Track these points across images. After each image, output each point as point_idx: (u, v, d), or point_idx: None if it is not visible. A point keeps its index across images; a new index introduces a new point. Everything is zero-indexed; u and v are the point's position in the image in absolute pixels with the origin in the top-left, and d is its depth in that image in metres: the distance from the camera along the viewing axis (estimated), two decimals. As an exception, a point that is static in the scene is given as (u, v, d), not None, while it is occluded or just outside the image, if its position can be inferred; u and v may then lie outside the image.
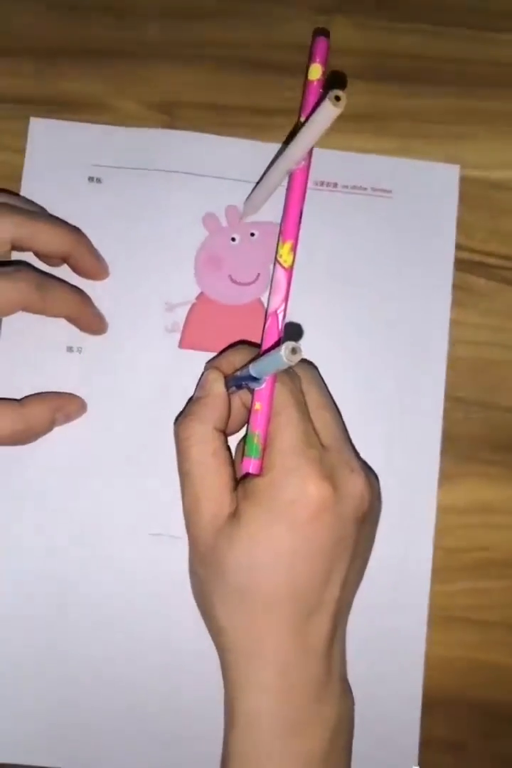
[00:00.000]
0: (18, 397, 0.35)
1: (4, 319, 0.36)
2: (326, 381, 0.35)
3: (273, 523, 0.30)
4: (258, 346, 0.34)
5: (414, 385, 0.37)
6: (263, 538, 0.30)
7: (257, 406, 0.31)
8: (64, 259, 0.36)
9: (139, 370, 0.37)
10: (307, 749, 0.30)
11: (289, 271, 0.33)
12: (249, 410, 0.32)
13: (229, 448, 0.33)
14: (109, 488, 0.36)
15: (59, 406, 0.35)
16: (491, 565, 0.37)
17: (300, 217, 0.33)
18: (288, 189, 0.33)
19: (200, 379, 0.35)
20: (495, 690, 0.37)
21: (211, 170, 0.38)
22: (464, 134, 0.39)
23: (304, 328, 0.37)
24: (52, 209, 0.37)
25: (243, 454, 0.32)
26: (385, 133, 0.39)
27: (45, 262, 0.37)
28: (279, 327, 0.33)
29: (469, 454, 0.37)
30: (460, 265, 0.38)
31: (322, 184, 0.38)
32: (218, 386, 0.33)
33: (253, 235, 0.38)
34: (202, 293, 0.37)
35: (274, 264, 0.33)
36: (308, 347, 0.36)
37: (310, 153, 0.33)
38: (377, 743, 0.35)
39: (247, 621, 0.31)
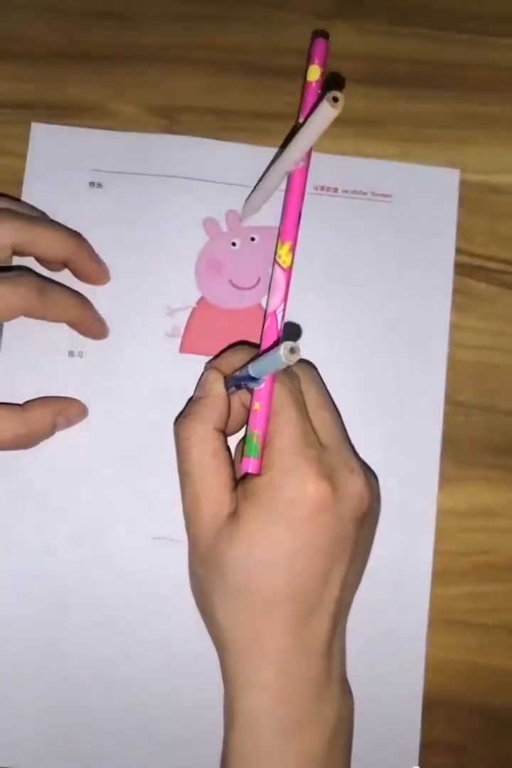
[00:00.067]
0: (19, 401, 0.35)
1: (6, 324, 0.36)
2: (326, 382, 0.35)
3: (273, 522, 0.30)
4: (257, 346, 0.34)
5: (414, 386, 0.37)
6: (262, 538, 0.30)
7: (256, 406, 0.32)
8: (65, 264, 0.36)
9: (140, 374, 0.37)
10: (307, 749, 0.30)
11: (288, 271, 0.33)
12: (248, 410, 0.32)
13: (228, 448, 0.33)
14: (109, 490, 0.36)
15: (60, 411, 0.36)
16: (491, 569, 0.37)
17: (299, 218, 0.33)
18: (287, 190, 0.34)
19: (200, 379, 0.35)
20: (496, 693, 0.37)
21: (211, 175, 0.38)
22: (464, 138, 0.39)
23: (305, 330, 0.37)
24: (53, 214, 0.37)
25: (242, 454, 0.32)
26: (385, 138, 0.39)
27: (46, 267, 0.37)
28: (278, 327, 0.33)
29: (470, 457, 0.37)
30: (460, 269, 0.38)
31: (322, 188, 0.38)
32: (218, 386, 0.33)
33: (253, 239, 0.38)
34: (202, 298, 0.38)
35: (273, 265, 0.33)
36: (309, 349, 0.36)
37: (309, 154, 0.33)
38: (377, 743, 0.35)
39: (246, 620, 0.31)
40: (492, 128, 0.39)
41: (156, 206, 0.38)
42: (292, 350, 0.26)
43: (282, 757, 0.30)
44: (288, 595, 0.30)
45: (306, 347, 0.36)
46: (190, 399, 0.36)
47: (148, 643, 0.36)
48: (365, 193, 0.38)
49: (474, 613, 0.37)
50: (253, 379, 0.31)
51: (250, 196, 0.38)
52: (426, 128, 0.39)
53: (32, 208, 0.37)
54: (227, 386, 0.33)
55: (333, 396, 0.35)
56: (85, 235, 0.37)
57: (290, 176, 0.34)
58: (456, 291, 0.38)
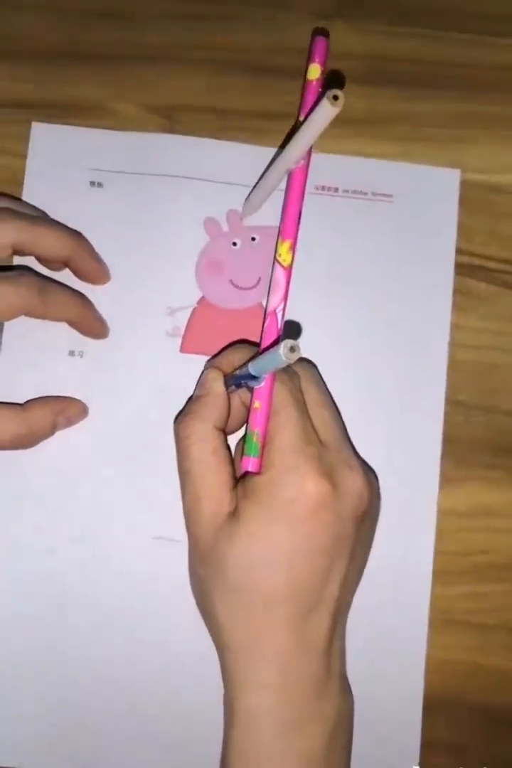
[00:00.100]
0: (20, 401, 0.35)
1: (6, 324, 0.36)
2: (327, 382, 0.35)
3: (273, 521, 0.30)
4: (257, 345, 0.34)
5: (414, 386, 0.37)
6: (262, 537, 0.30)
7: (256, 404, 0.31)
8: (65, 264, 0.36)
9: (140, 373, 0.37)
10: (307, 747, 0.30)
11: (288, 270, 0.33)
12: (248, 409, 0.32)
13: (228, 447, 0.33)
14: (109, 490, 0.36)
15: (61, 410, 0.36)
16: (491, 569, 0.37)
17: (299, 217, 0.33)
18: (287, 188, 0.33)
19: (200, 377, 0.35)
20: (496, 693, 0.37)
21: (211, 174, 0.38)
22: (464, 138, 0.39)
23: (306, 330, 0.37)
24: (54, 213, 0.37)
25: (242, 453, 0.32)
26: (386, 138, 0.39)
27: (46, 266, 0.37)
28: (279, 326, 0.33)
29: (470, 457, 0.37)
30: (461, 269, 0.38)
31: (323, 188, 0.38)
32: (218, 385, 0.33)
33: (253, 239, 0.38)
34: (203, 297, 0.38)
35: (273, 263, 0.33)
36: (309, 349, 0.36)
37: (309, 152, 0.33)
38: (378, 743, 0.36)
39: (246, 619, 0.31)
40: (493, 128, 0.39)
41: (156, 206, 0.38)
42: (292, 349, 0.26)
43: (283, 755, 0.30)
44: (288, 594, 0.30)
45: (307, 347, 0.36)
46: (190, 397, 0.36)
47: (147, 643, 0.36)
48: (365, 193, 0.38)
49: (475, 613, 0.37)
50: (253, 378, 0.31)
51: (250, 194, 0.38)
52: (427, 128, 0.39)
53: (33, 207, 0.37)
54: (227, 385, 0.33)
55: (333, 395, 0.35)
56: (85, 234, 0.37)
57: (290, 175, 0.33)
58: (457, 291, 0.38)
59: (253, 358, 0.31)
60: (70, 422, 0.36)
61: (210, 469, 0.32)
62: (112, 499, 0.36)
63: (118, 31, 0.40)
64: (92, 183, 0.38)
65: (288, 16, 0.40)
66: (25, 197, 0.38)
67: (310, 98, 0.33)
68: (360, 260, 0.38)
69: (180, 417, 0.34)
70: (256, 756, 0.30)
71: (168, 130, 0.39)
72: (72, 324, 0.36)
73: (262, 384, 0.31)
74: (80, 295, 0.36)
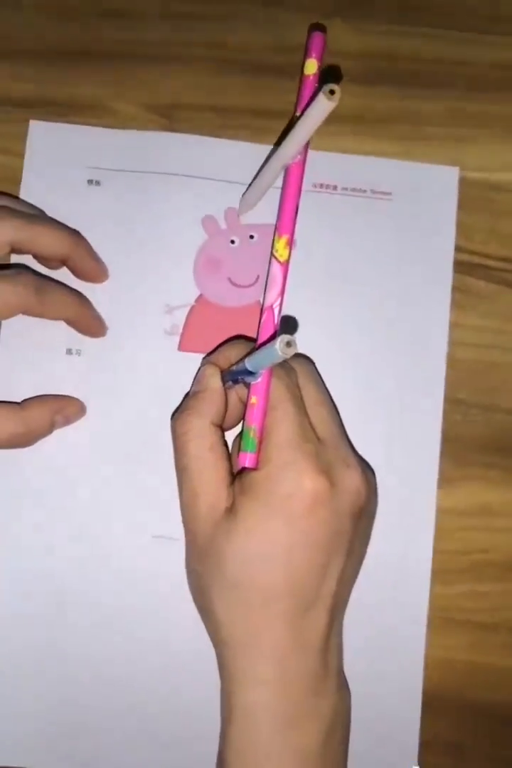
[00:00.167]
0: (18, 399, 0.35)
1: (4, 323, 0.36)
2: (326, 381, 0.36)
3: (270, 517, 0.30)
4: (254, 341, 0.34)
5: (413, 384, 0.37)
6: (260, 532, 0.30)
7: (253, 400, 0.31)
8: (63, 262, 0.36)
9: (139, 372, 0.37)
10: (304, 743, 0.30)
11: (285, 265, 0.33)
12: (245, 405, 0.32)
13: (226, 443, 0.33)
14: (108, 489, 0.36)
15: (59, 409, 0.35)
16: (490, 568, 0.37)
17: (296, 212, 0.33)
18: (284, 184, 0.33)
19: (197, 373, 0.35)
20: (495, 692, 0.37)
21: (210, 173, 0.38)
22: (463, 136, 0.39)
23: (305, 328, 0.37)
24: (52, 212, 0.37)
25: (239, 449, 0.32)
26: (385, 136, 0.39)
27: (44, 264, 0.37)
28: (275, 321, 0.32)
29: (469, 456, 0.37)
30: (460, 267, 0.38)
31: (322, 186, 0.38)
32: (215, 381, 0.33)
33: (252, 237, 0.38)
34: (201, 295, 0.37)
35: (270, 259, 0.33)
36: (309, 348, 0.36)
37: (306, 147, 0.33)
38: (377, 742, 0.36)
39: (244, 615, 0.31)
40: (492, 126, 0.39)
41: (155, 204, 0.38)
42: (289, 344, 0.26)
43: (280, 752, 0.30)
44: (286, 590, 0.30)
45: (306, 345, 0.36)
46: (187, 393, 0.36)
47: (147, 642, 0.36)
48: (365, 191, 0.38)
49: (474, 611, 0.37)
50: (250, 374, 0.31)
51: (247, 190, 0.38)
52: (426, 126, 0.39)
53: (31, 206, 0.37)
54: (224, 381, 0.33)
55: (333, 394, 0.35)
56: (83, 233, 0.37)
57: (287, 170, 0.33)
58: (456, 289, 0.38)
59: (249, 353, 0.31)
60: (68, 421, 0.36)
61: (207, 466, 0.32)
62: (111, 497, 0.36)
63: (118, 30, 0.40)
64: (90, 181, 0.38)
65: (288, 15, 0.40)
66: (22, 195, 0.38)
67: (307, 93, 0.33)
68: (360, 258, 0.38)
69: (177, 413, 0.34)
70: (253, 753, 0.30)
71: (167, 129, 0.39)
72: (70, 322, 0.36)
73: (259, 380, 0.31)
74: (78, 294, 0.36)
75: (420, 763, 0.36)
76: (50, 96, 0.39)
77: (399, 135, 0.39)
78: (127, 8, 0.40)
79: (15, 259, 0.37)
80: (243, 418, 0.32)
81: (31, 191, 0.38)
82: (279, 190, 0.34)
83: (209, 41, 0.40)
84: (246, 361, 0.30)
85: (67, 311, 0.36)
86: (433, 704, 0.36)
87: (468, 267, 0.38)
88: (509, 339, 0.38)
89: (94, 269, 0.37)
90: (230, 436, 0.35)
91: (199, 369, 0.35)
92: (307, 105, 0.29)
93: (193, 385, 0.35)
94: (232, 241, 0.38)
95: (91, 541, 0.36)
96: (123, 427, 0.37)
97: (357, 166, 0.38)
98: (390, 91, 0.39)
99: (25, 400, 0.35)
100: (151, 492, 0.36)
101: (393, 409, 0.37)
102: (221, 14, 0.40)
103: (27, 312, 0.34)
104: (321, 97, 0.27)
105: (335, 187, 0.38)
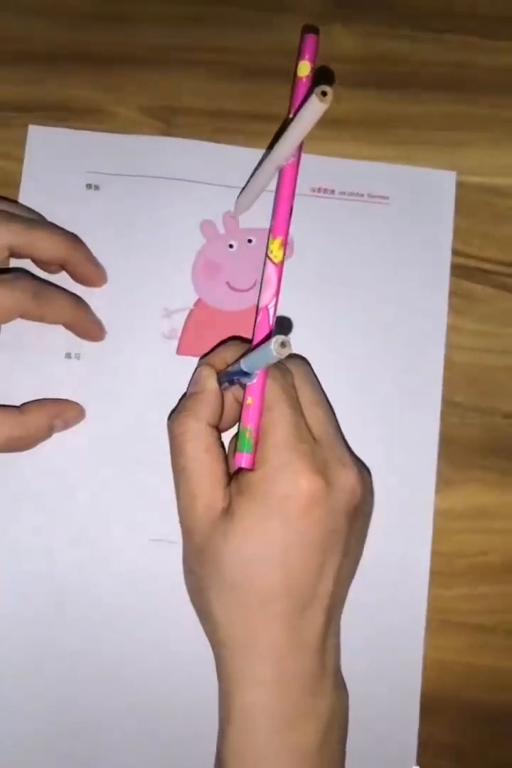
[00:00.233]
0: (17, 403, 0.35)
1: (3, 327, 0.37)
2: (325, 384, 0.36)
3: (267, 517, 0.30)
4: (250, 342, 0.34)
5: (411, 388, 0.37)
6: (257, 533, 0.30)
7: (249, 400, 0.31)
8: (62, 266, 0.36)
9: (137, 376, 0.37)
10: (301, 743, 0.31)
11: (280, 266, 0.33)
12: (241, 406, 0.32)
13: (222, 444, 0.33)
14: (106, 492, 0.37)
15: (58, 413, 0.36)
16: (488, 570, 0.37)
17: (291, 213, 0.33)
18: (278, 186, 0.33)
19: (193, 375, 0.35)
20: (492, 694, 0.37)
21: (208, 177, 0.38)
22: (461, 141, 0.39)
23: (303, 332, 0.37)
24: (50, 216, 0.37)
25: (235, 449, 0.32)
26: (382, 140, 0.39)
27: (43, 269, 0.37)
28: (270, 322, 0.33)
29: (466, 459, 0.37)
30: (457, 271, 0.38)
31: (319, 190, 0.38)
32: (211, 382, 0.33)
33: (250, 241, 0.38)
34: (199, 300, 0.38)
35: (265, 260, 0.33)
36: (308, 351, 0.36)
37: (300, 149, 0.33)
38: (376, 742, 0.36)
39: (242, 616, 0.31)
40: (489, 130, 0.39)
41: (153, 208, 0.38)
42: (283, 344, 0.26)
43: (277, 752, 0.30)
44: (283, 591, 0.30)
45: (305, 349, 0.36)
46: (184, 395, 0.36)
47: (146, 643, 0.36)
48: (362, 195, 0.38)
49: (472, 614, 0.37)
50: (246, 374, 0.31)
51: (241, 192, 0.38)
52: (423, 130, 0.39)
53: (29, 210, 0.37)
54: (220, 382, 0.33)
55: (332, 397, 0.35)
56: (82, 237, 0.37)
57: (281, 172, 0.33)
58: (453, 293, 0.38)
59: (245, 354, 0.31)
60: (67, 425, 0.36)
61: (204, 467, 0.32)
62: (110, 500, 0.36)
63: (117, 35, 0.40)
64: (89, 186, 0.38)
65: (285, 19, 0.40)
66: (21, 200, 0.38)
67: (300, 95, 0.33)
68: (357, 262, 0.38)
69: (174, 415, 0.34)
70: (251, 752, 0.30)
71: (165, 133, 0.39)
72: (68, 326, 0.36)
73: (255, 380, 0.31)
74: (76, 298, 0.36)
75: (418, 764, 0.36)
76: (49, 100, 0.39)
77: (396, 139, 0.39)
78: (125, 13, 0.40)
79: (14, 263, 0.37)
80: (239, 419, 0.33)
81: (29, 195, 0.38)
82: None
83: (208, 46, 0.40)
84: (241, 362, 0.30)
85: (66, 315, 0.36)
86: (430, 706, 0.36)
87: (465, 271, 0.38)
88: (506, 342, 0.38)
89: (92, 273, 0.37)
90: (227, 437, 0.35)
91: (196, 370, 0.35)
92: (300, 107, 0.29)
93: (189, 386, 0.35)
94: (231, 246, 0.38)
95: (90, 544, 0.36)
96: (122, 431, 0.37)
97: (355, 170, 0.38)
98: (388, 95, 0.39)
99: (24, 404, 0.35)
100: (150, 495, 0.36)
101: (392, 412, 0.37)
102: (219, 19, 0.40)
103: (26, 316, 0.34)
104: (314, 99, 0.27)
105: (333, 191, 0.38)
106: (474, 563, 0.37)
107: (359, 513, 0.32)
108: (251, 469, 0.31)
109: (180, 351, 0.37)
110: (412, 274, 0.38)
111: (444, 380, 0.37)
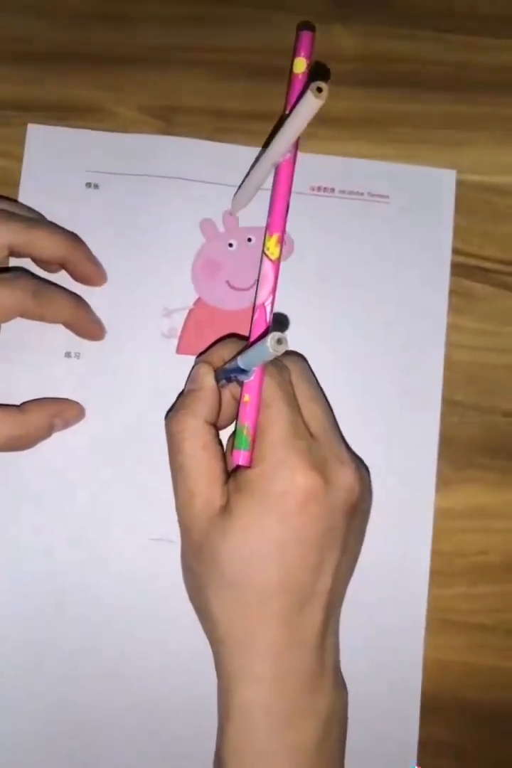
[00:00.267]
0: (17, 402, 0.35)
1: (3, 326, 0.36)
2: (324, 383, 0.36)
3: (265, 515, 0.30)
4: (247, 340, 0.34)
5: (411, 386, 0.37)
6: (255, 531, 0.30)
7: (246, 398, 0.31)
8: (61, 265, 0.36)
9: (137, 375, 0.37)
10: (300, 741, 0.31)
11: (276, 263, 0.33)
12: (238, 403, 0.32)
13: (220, 442, 0.33)
14: (106, 492, 0.37)
15: (58, 412, 0.36)
16: (488, 570, 0.37)
17: (287, 210, 0.33)
18: (274, 182, 0.33)
19: (190, 372, 0.35)
20: (492, 693, 0.37)
21: (208, 176, 0.38)
22: (461, 139, 0.39)
23: (303, 331, 0.37)
24: (50, 215, 0.37)
25: (233, 447, 0.32)
26: (382, 139, 0.39)
27: (43, 268, 0.37)
28: (267, 319, 0.33)
29: (466, 458, 0.37)
30: (457, 269, 0.38)
31: (319, 189, 0.38)
32: (208, 380, 0.33)
33: (249, 240, 0.38)
34: (199, 299, 0.38)
35: (262, 257, 0.33)
36: (306, 350, 0.36)
37: (296, 146, 0.33)
38: (376, 742, 0.36)
39: (241, 614, 0.31)
40: (489, 129, 0.39)
41: (153, 207, 0.38)
42: (279, 341, 0.26)
43: (276, 749, 0.30)
44: (281, 588, 0.30)
45: (304, 348, 0.36)
46: (181, 393, 0.36)
47: (145, 642, 0.36)
48: (362, 194, 0.38)
49: (472, 613, 0.37)
50: (243, 372, 0.31)
51: (238, 189, 0.38)
52: (423, 129, 0.39)
53: (29, 209, 0.37)
54: (218, 379, 0.33)
55: (332, 396, 0.35)
56: (81, 236, 0.37)
57: (277, 168, 0.33)
58: (453, 292, 0.38)
59: (241, 351, 0.31)
60: (66, 424, 0.36)
61: (201, 464, 0.32)
62: (110, 500, 0.36)
63: (116, 34, 0.40)
64: (88, 184, 0.38)
65: (285, 18, 0.40)
66: (21, 199, 0.38)
67: (296, 91, 0.33)
68: (357, 261, 0.38)
69: (171, 412, 0.34)
70: (250, 750, 0.30)
71: (165, 132, 0.39)
72: (68, 326, 0.36)
73: (252, 377, 0.31)
74: (76, 297, 0.36)
75: (418, 764, 0.36)
76: (49, 99, 0.39)
77: (396, 138, 0.39)
78: (125, 12, 0.40)
79: (13, 262, 0.37)
80: (236, 416, 0.33)
81: (29, 194, 0.38)
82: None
83: (208, 45, 0.40)
84: (238, 359, 0.30)
85: (66, 314, 0.36)
86: (430, 706, 0.36)
87: (465, 270, 0.38)
88: (506, 341, 0.38)
89: (92, 272, 0.37)
90: (224, 434, 0.35)
91: (193, 368, 0.35)
92: (295, 103, 0.29)
93: (186, 383, 0.35)
94: (230, 245, 0.38)
95: (90, 544, 0.36)
96: (122, 430, 0.37)
97: (355, 168, 0.38)
98: (388, 95, 0.39)
99: (24, 403, 0.35)
100: (150, 494, 0.36)
101: (392, 411, 0.37)
102: (219, 18, 0.40)
103: (25, 315, 0.34)
104: (309, 95, 0.27)
105: (332, 190, 0.38)
106: (474, 562, 0.37)
107: (357, 510, 0.32)
108: (249, 467, 0.31)
109: (180, 350, 0.37)
110: (412, 273, 0.38)
111: (444, 379, 0.37)
